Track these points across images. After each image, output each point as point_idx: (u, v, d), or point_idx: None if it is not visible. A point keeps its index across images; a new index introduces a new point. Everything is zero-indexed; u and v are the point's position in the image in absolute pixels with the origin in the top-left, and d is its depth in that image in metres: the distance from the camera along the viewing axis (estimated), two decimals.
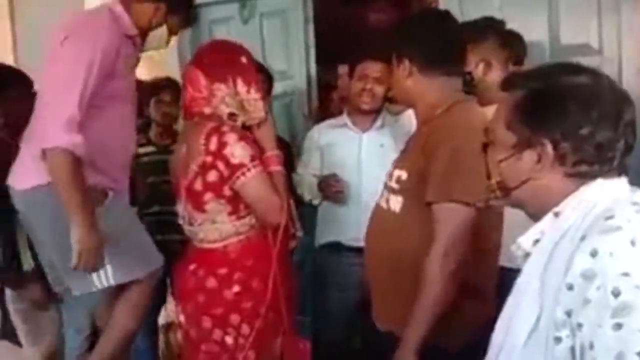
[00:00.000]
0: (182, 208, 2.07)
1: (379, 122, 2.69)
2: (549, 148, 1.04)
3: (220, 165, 1.91)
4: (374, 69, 2.58)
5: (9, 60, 3.97)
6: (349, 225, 2.56)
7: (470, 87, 1.99)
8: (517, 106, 1.09)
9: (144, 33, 2.26)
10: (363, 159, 2.66)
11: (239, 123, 2.00)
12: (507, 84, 1.16)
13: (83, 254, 2.01)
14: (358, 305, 2.42)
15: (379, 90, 2.59)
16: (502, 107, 1.13)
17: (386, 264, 1.78)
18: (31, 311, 2.72)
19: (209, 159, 1.91)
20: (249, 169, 1.92)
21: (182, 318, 2.10)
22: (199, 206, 1.98)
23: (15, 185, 2.18)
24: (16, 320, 2.75)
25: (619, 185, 1.06)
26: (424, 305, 1.61)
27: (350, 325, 2.74)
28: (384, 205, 1.81)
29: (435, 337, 1.61)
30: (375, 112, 2.68)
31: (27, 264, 2.55)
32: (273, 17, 3.74)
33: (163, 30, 2.29)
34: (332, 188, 2.60)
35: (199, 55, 2.12)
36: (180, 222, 2.11)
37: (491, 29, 2.14)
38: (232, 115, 1.99)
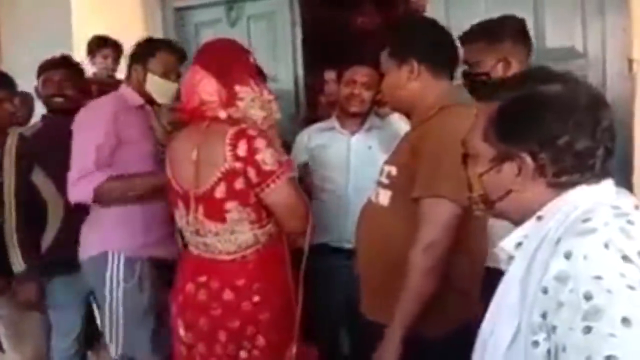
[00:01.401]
0: (189, 217, 1.95)
1: (367, 125, 2.70)
2: (528, 160, 1.04)
3: (251, 171, 1.83)
4: (362, 73, 2.58)
5: None
6: (337, 227, 2.56)
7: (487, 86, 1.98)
8: (492, 119, 1.08)
9: (147, 98, 2.45)
10: (351, 161, 2.66)
11: (264, 127, 1.93)
12: (481, 95, 1.15)
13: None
14: (346, 306, 2.43)
15: (367, 94, 2.61)
16: (478, 119, 1.12)
17: (374, 256, 1.82)
18: (14, 316, 2.68)
19: (238, 165, 1.82)
20: (278, 176, 1.86)
21: (182, 332, 2.01)
22: (218, 215, 1.89)
23: (80, 256, 2.46)
24: None
25: (603, 189, 1.05)
26: (407, 297, 1.65)
27: (337, 327, 2.75)
28: (373, 199, 1.85)
29: (418, 326, 1.66)
30: (364, 115, 2.70)
31: (18, 265, 2.53)
32: (260, 20, 3.75)
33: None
34: (306, 181, 2.60)
35: (205, 57, 1.97)
36: (186, 232, 2.01)
37: (509, 28, 2.10)
38: (265, 119, 1.93)
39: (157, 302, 2.42)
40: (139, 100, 2.45)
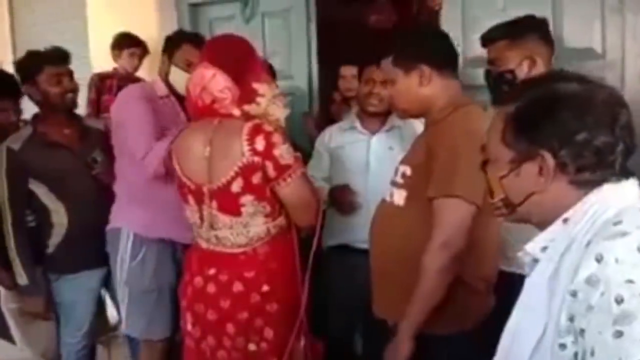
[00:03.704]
0: (203, 212, 1.95)
1: (388, 125, 2.69)
2: (549, 158, 1.03)
3: (269, 166, 1.85)
4: (380, 72, 2.56)
5: (9, 60, 3.97)
6: (356, 228, 2.54)
7: (512, 85, 1.96)
8: (510, 120, 1.08)
9: (173, 89, 2.50)
10: (371, 161, 2.66)
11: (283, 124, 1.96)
12: (498, 99, 1.15)
13: None
14: (361, 306, 2.43)
15: (386, 93, 2.58)
16: (495, 124, 1.12)
17: (389, 256, 1.83)
18: (23, 312, 2.69)
19: (256, 159, 1.84)
20: (294, 171, 1.90)
21: (189, 327, 2.04)
22: (233, 209, 1.91)
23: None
24: (9, 319, 2.73)
25: (629, 188, 1.04)
26: (419, 297, 1.67)
27: (352, 326, 2.74)
28: (388, 199, 1.87)
29: (428, 323, 1.68)
30: (385, 115, 2.68)
31: (20, 278, 2.51)
32: (275, 17, 3.73)
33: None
34: (345, 200, 2.61)
35: (215, 53, 1.95)
36: (196, 226, 2.02)
37: (533, 26, 2.09)
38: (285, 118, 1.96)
39: (159, 284, 2.49)
40: (164, 90, 2.51)
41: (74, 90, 2.61)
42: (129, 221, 2.49)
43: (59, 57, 2.59)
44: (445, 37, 1.91)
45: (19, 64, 2.61)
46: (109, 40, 3.92)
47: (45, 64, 2.54)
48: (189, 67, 2.42)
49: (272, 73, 2.98)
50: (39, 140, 2.53)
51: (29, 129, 2.57)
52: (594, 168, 1.03)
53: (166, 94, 2.52)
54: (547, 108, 1.04)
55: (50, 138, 2.54)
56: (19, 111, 2.68)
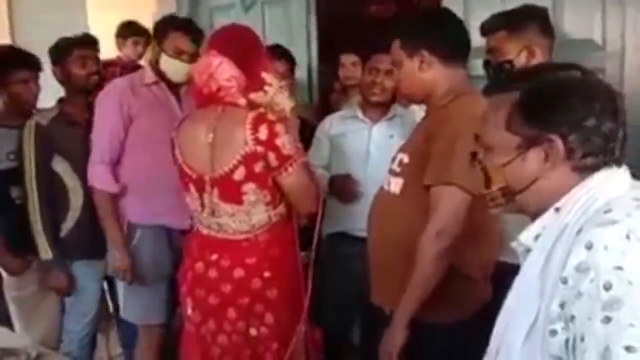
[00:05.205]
0: (204, 200, 1.97)
1: (390, 114, 2.70)
2: (559, 143, 1.04)
3: (271, 155, 1.87)
4: (385, 61, 2.56)
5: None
6: (355, 216, 2.53)
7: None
8: (517, 106, 1.09)
9: (163, 76, 2.51)
10: (371, 150, 2.66)
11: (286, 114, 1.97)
12: (489, 90, 1.17)
13: (118, 273, 2.51)
14: (359, 295, 2.44)
15: (390, 83, 2.58)
16: (491, 112, 1.13)
17: (386, 243, 1.84)
18: (33, 298, 2.73)
19: (259, 148, 1.86)
20: (295, 160, 1.91)
21: (189, 312, 2.06)
22: (235, 197, 1.93)
23: None
24: (12, 306, 2.75)
25: (620, 177, 1.06)
26: (414, 284, 1.68)
27: (349, 315, 2.76)
28: (385, 187, 1.88)
29: (425, 312, 1.69)
30: (387, 105, 2.69)
31: (44, 252, 2.56)
32: (275, 6, 3.72)
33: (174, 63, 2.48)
34: (347, 190, 2.62)
35: (223, 42, 1.97)
36: (197, 214, 2.04)
37: (532, 16, 2.07)
38: (292, 108, 1.98)
39: (155, 270, 2.51)
40: (152, 77, 2.53)
41: (98, 73, 2.69)
42: (122, 208, 2.53)
43: (86, 41, 2.71)
44: (457, 24, 1.87)
45: (51, 49, 2.69)
46: (108, 30, 3.91)
47: (74, 46, 2.65)
48: (178, 54, 2.44)
49: (292, 61, 3.02)
50: (64, 119, 2.63)
51: (56, 109, 2.68)
52: (598, 153, 1.05)
53: (154, 81, 2.53)
54: (557, 94, 1.06)
55: (75, 118, 2.63)
56: (38, 86, 2.72)
